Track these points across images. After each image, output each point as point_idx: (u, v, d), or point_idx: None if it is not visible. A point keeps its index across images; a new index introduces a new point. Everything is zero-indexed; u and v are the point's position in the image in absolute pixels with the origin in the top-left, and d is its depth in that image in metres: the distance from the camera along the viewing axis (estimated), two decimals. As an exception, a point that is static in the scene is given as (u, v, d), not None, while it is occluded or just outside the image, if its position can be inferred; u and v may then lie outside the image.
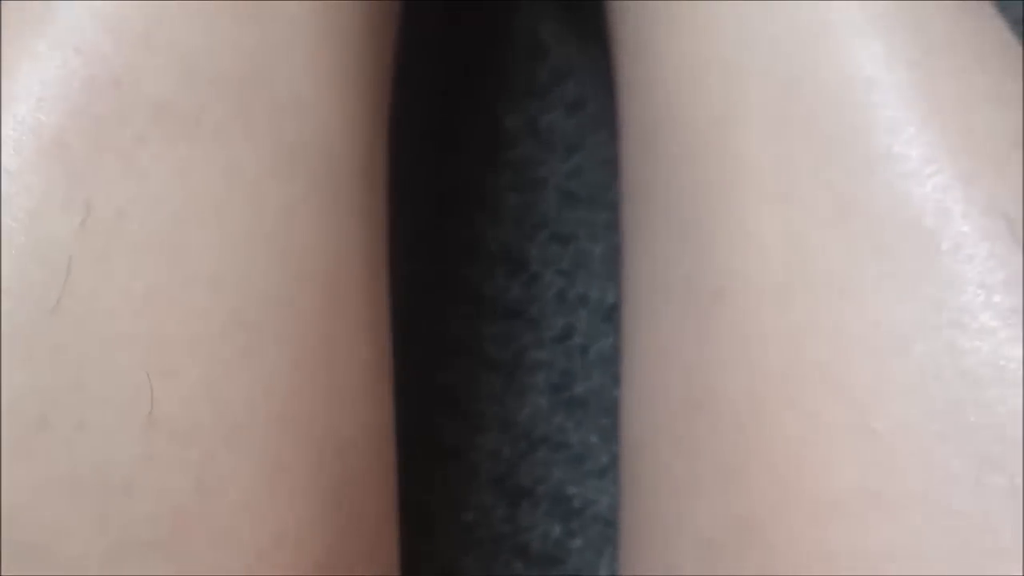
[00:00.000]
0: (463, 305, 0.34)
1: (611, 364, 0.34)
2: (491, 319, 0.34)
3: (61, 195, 0.15)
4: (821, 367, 0.17)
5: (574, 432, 0.33)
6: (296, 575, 0.15)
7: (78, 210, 0.15)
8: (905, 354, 0.16)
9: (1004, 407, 0.15)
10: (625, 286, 0.25)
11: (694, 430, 0.18)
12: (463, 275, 0.34)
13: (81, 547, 0.13)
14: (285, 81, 0.19)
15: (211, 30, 0.18)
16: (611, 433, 0.33)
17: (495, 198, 0.35)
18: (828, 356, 0.17)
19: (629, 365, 0.22)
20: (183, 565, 0.14)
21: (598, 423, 0.33)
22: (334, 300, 0.18)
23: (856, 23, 0.19)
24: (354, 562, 0.16)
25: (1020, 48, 0.20)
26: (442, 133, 0.36)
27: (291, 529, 0.15)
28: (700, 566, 0.17)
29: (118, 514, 0.13)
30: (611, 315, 0.34)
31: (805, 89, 0.19)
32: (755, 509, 0.16)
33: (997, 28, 0.20)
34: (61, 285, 0.14)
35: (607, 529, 0.32)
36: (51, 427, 0.13)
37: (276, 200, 0.17)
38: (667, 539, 0.18)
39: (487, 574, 0.31)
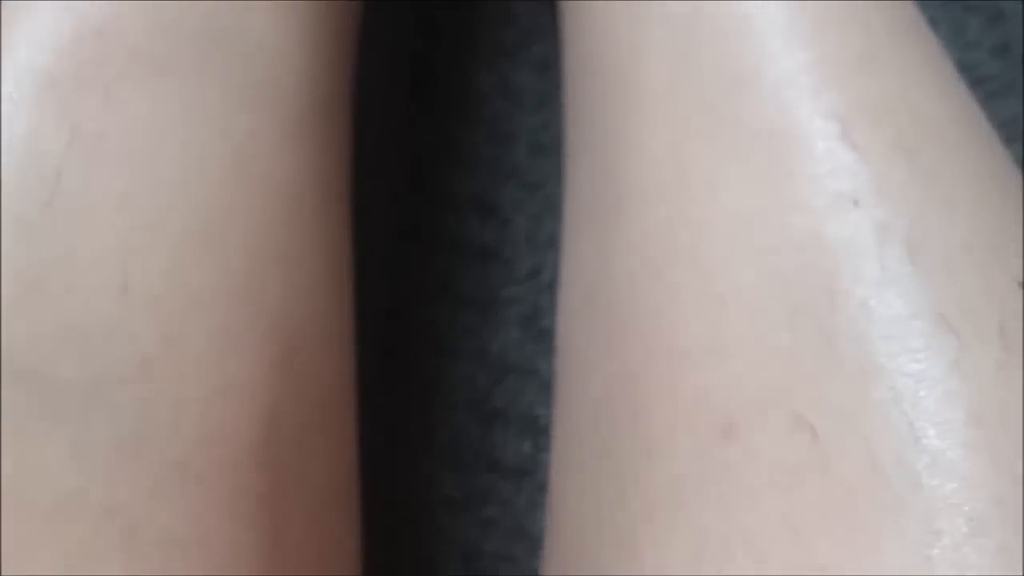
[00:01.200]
0: (440, 248, 0.37)
1: (577, 298, 0.37)
2: (466, 260, 0.37)
3: (52, 119, 0.18)
4: (686, 250, 0.20)
5: (543, 360, 0.36)
6: (248, 418, 0.18)
7: (66, 131, 0.18)
8: (750, 233, 0.19)
9: (818, 266, 0.18)
10: (564, 210, 0.28)
11: (593, 315, 0.22)
12: (440, 221, 0.38)
13: (70, 375, 0.17)
14: (249, 31, 0.22)
15: None
16: (577, 360, 0.36)
17: (469, 151, 0.38)
18: (692, 240, 0.20)
19: (562, 279, 0.26)
20: (149, 397, 0.17)
21: (565, 352, 0.36)
22: (291, 210, 0.21)
23: None
24: (304, 421, 0.19)
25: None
26: (419, 94, 0.40)
27: (242, 379, 0.18)
28: (595, 421, 0.20)
29: (99, 353, 0.17)
30: (576, 254, 0.37)
31: (696, 28, 0.22)
32: (631, 366, 0.19)
33: None
34: (53, 187, 0.18)
35: (573, 446, 0.35)
36: (46, 288, 0.17)
37: (238, 128, 0.20)
38: (570, 404, 0.22)
39: (465, 485, 0.34)
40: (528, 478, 0.35)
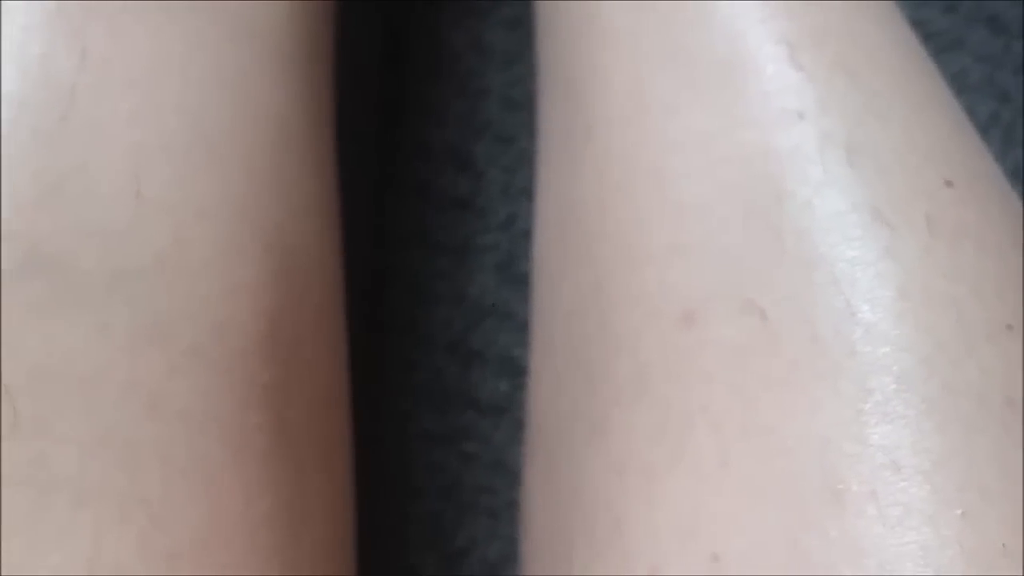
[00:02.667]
0: (417, 199, 0.39)
1: (549, 245, 0.39)
2: (442, 210, 0.38)
3: (63, 43, 0.20)
4: (649, 168, 0.21)
5: (518, 304, 0.37)
6: (254, 317, 0.20)
7: (76, 55, 0.20)
8: (706, 149, 0.21)
9: (767, 174, 0.19)
10: (539, 152, 0.29)
11: (564, 235, 0.23)
12: (416, 172, 0.39)
13: (91, 267, 0.18)
14: None
15: None
16: (550, 303, 0.38)
17: (443, 105, 0.40)
18: (654, 160, 0.21)
19: (537, 209, 0.27)
20: (165, 290, 0.19)
21: (539, 295, 0.38)
22: (283, 137, 0.23)
23: None
24: (302, 329, 0.21)
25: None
26: (394, 51, 0.41)
27: (247, 283, 0.20)
28: (567, 328, 0.22)
29: (117, 249, 0.18)
30: (548, 203, 0.39)
31: None
32: (599, 274, 0.21)
33: None
34: (68, 103, 0.19)
35: (548, 384, 0.37)
36: (65, 191, 0.19)
37: (233, 59, 0.22)
38: (544, 318, 0.23)
39: (445, 422, 0.36)
40: (506, 415, 0.37)
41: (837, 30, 0.21)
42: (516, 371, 0.37)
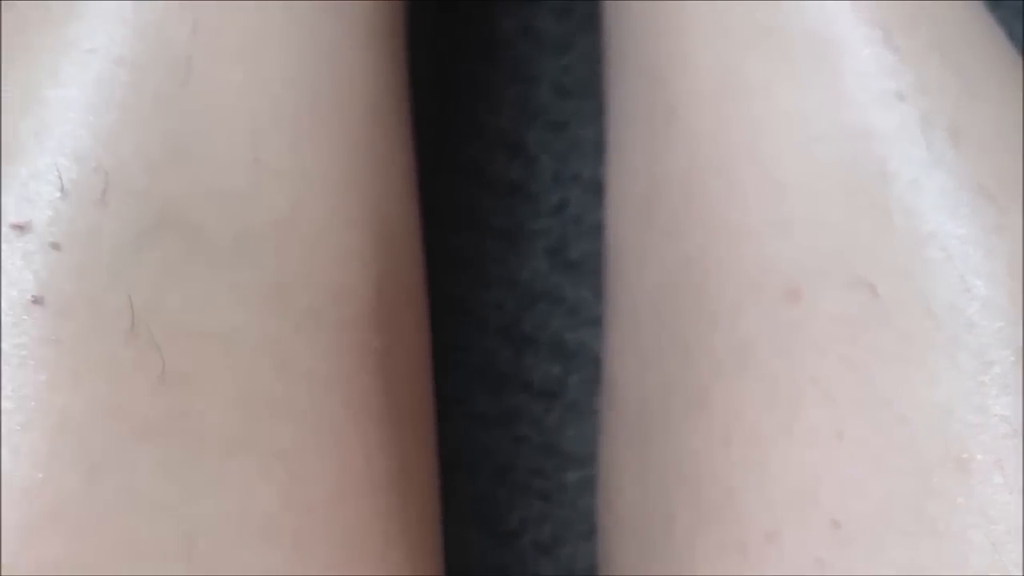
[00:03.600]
0: (470, 182, 0.39)
1: (600, 232, 0.39)
2: (495, 194, 0.39)
3: (176, 13, 0.20)
4: (742, 146, 0.22)
5: (570, 289, 0.38)
6: (364, 284, 0.20)
7: (188, 24, 0.20)
8: (803, 127, 0.21)
9: (869, 153, 0.20)
10: (607, 132, 0.30)
11: (648, 213, 0.23)
12: (469, 157, 0.39)
13: (217, 228, 0.18)
14: None
15: None
16: (601, 289, 0.38)
17: (495, 91, 0.40)
18: (748, 138, 0.22)
19: (611, 190, 0.28)
20: (285, 254, 0.19)
21: (591, 281, 0.38)
22: (375, 112, 0.23)
23: None
24: (400, 298, 0.22)
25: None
26: (446, 37, 0.41)
27: (357, 250, 0.20)
28: (655, 305, 0.22)
29: (239, 213, 0.19)
30: (600, 191, 0.39)
31: None
32: (691, 250, 0.21)
33: None
34: (185, 70, 0.19)
35: (599, 368, 0.37)
36: (190, 155, 0.19)
37: (328, 31, 0.22)
38: (627, 296, 0.24)
39: (498, 404, 0.36)
40: (558, 399, 0.37)
41: (929, 13, 0.22)
42: (568, 355, 0.37)
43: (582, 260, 0.39)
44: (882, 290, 0.18)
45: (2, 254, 0.17)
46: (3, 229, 0.17)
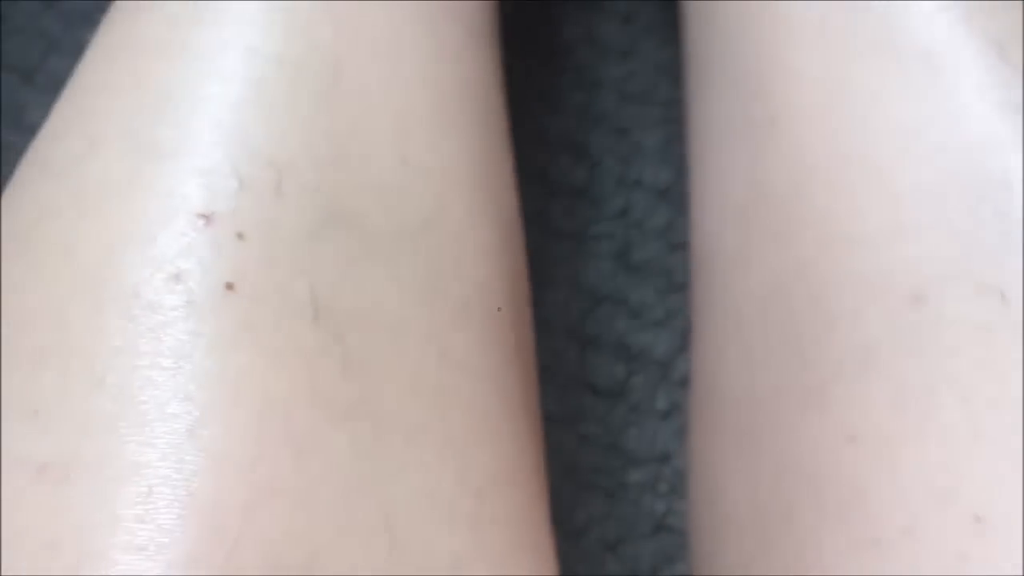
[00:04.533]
0: (535, 186, 0.40)
1: (663, 235, 0.39)
2: (559, 197, 0.39)
3: (320, 14, 0.20)
4: (855, 156, 0.22)
5: (633, 291, 0.38)
6: (500, 279, 0.21)
7: (331, 24, 0.20)
8: (920, 137, 0.21)
9: (992, 164, 0.20)
10: (691, 139, 0.30)
11: (750, 220, 0.24)
12: (534, 161, 0.40)
13: (378, 224, 0.19)
14: None
15: None
16: (664, 292, 0.39)
17: (559, 97, 0.41)
18: (861, 148, 0.22)
19: (697, 191, 0.28)
20: (434, 250, 0.20)
21: (654, 284, 0.38)
22: (490, 109, 0.23)
23: None
24: (522, 297, 0.22)
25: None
26: (511, 43, 0.42)
27: (492, 246, 0.21)
28: (762, 311, 0.23)
29: (394, 210, 0.19)
30: (663, 196, 0.40)
31: None
32: (803, 257, 0.22)
33: None
34: (334, 71, 0.20)
35: (662, 370, 0.37)
36: (348, 152, 0.19)
37: (449, 34, 0.23)
38: (726, 303, 0.24)
39: (563, 403, 0.37)
40: (621, 399, 0.37)
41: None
42: (631, 357, 0.38)
43: (645, 263, 0.39)
44: (1011, 296, 0.19)
45: (192, 243, 0.17)
46: (190, 218, 0.17)
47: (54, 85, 0.40)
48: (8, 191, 0.20)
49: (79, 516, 0.16)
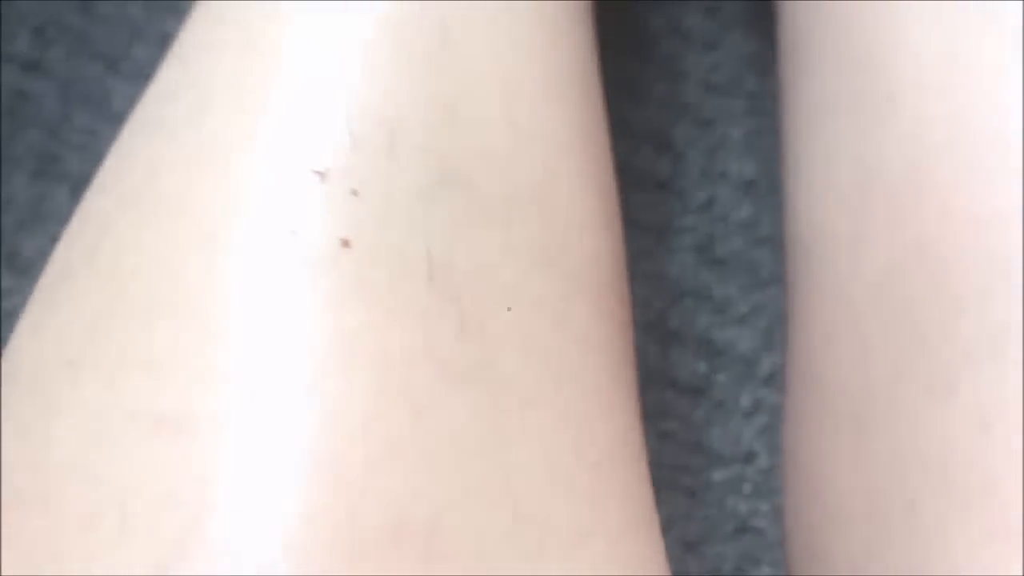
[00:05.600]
0: (618, 178, 0.39)
1: (748, 230, 0.38)
2: (641, 190, 0.38)
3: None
4: (979, 132, 0.21)
5: (717, 286, 0.37)
6: (607, 252, 0.20)
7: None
8: None
9: None
10: (785, 123, 0.29)
11: (865, 198, 0.23)
12: (617, 153, 0.39)
13: (490, 188, 0.19)
14: None
15: None
16: (749, 288, 0.38)
17: (644, 88, 0.40)
18: (985, 124, 0.21)
19: (795, 179, 0.27)
20: (546, 217, 0.19)
21: (737, 279, 0.38)
22: (587, 84, 0.23)
23: None
24: (622, 274, 0.21)
25: None
26: (596, 34, 0.41)
27: (600, 217, 0.20)
28: (878, 292, 0.22)
29: (505, 174, 0.19)
30: (748, 189, 0.39)
31: None
32: (925, 236, 0.21)
33: None
34: (443, 32, 0.19)
35: (746, 367, 0.36)
36: (457, 114, 0.19)
37: (553, 14, 0.22)
38: (836, 286, 0.23)
39: (644, 399, 0.36)
40: (703, 396, 0.36)
41: None
42: (714, 353, 0.37)
43: (729, 258, 0.38)
44: None
45: (308, 199, 0.17)
46: (304, 174, 0.17)
47: (139, 74, 0.40)
48: (113, 155, 0.20)
49: (198, 468, 0.15)
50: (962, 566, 0.18)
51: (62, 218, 0.23)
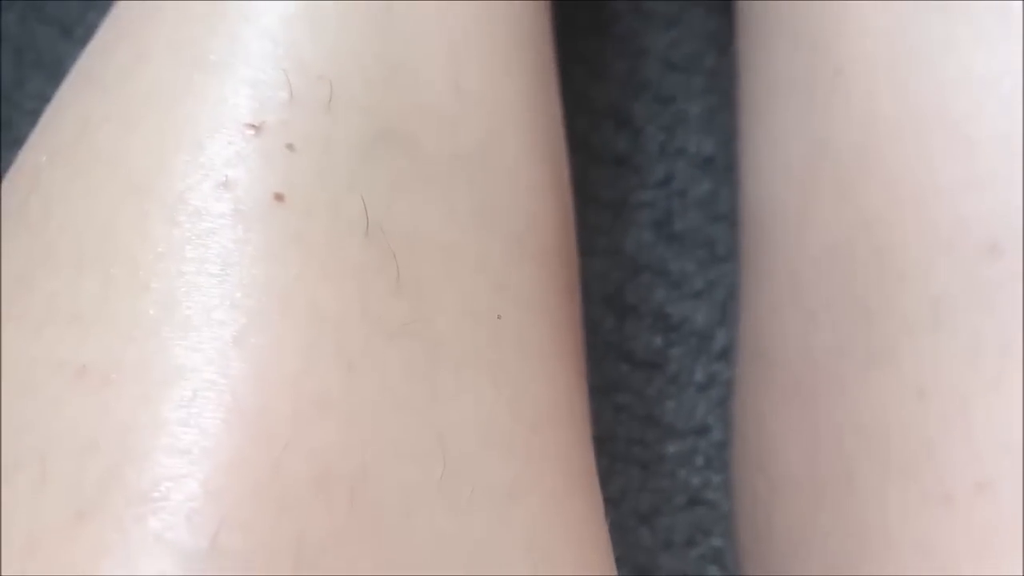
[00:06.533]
0: (577, 154, 0.39)
1: (705, 206, 0.39)
2: (600, 165, 0.39)
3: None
4: (928, 106, 0.21)
5: (673, 261, 0.38)
6: (553, 217, 0.20)
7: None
8: (996, 87, 0.21)
9: None
10: (742, 99, 0.30)
11: (814, 173, 0.23)
12: (577, 129, 0.39)
13: (433, 147, 0.19)
14: None
15: None
16: (705, 263, 0.38)
17: (603, 64, 0.40)
18: (933, 99, 0.22)
19: (751, 154, 0.27)
20: (489, 178, 0.19)
21: (695, 254, 0.38)
22: (543, 56, 0.23)
23: None
24: (569, 242, 0.22)
25: None
26: (556, 11, 0.41)
27: (547, 183, 0.20)
28: (828, 265, 0.22)
29: (449, 134, 0.19)
30: (706, 166, 0.39)
31: None
32: (872, 210, 0.21)
33: None
34: None
35: (701, 342, 0.37)
36: (401, 74, 0.19)
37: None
38: (784, 261, 0.23)
39: (599, 373, 0.36)
40: (658, 370, 0.37)
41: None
42: (670, 327, 0.37)
43: (686, 233, 0.39)
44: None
45: (241, 152, 0.17)
46: (239, 128, 0.17)
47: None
48: (49, 110, 0.20)
49: (120, 418, 0.15)
50: (898, 531, 0.18)
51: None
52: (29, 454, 0.15)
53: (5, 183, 0.19)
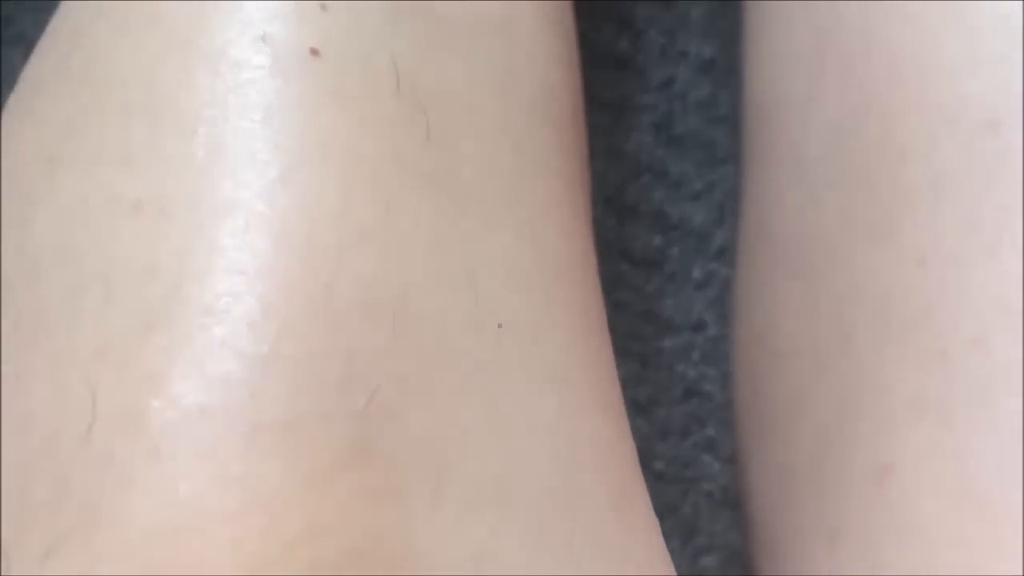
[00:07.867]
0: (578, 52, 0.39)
1: (705, 109, 0.39)
2: (601, 67, 0.39)
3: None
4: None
5: (673, 163, 0.38)
6: (567, 88, 0.21)
7: None
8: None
9: None
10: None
11: (816, 58, 0.24)
12: (578, 30, 0.40)
13: (456, 12, 0.19)
14: None
15: None
16: (704, 165, 0.39)
17: (607, -35, 0.40)
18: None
19: (755, 42, 0.28)
20: (509, 47, 0.20)
21: (694, 156, 0.38)
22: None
23: None
24: (582, 121, 0.22)
25: None
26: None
27: (562, 56, 0.21)
28: (831, 146, 0.23)
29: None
30: (707, 69, 0.39)
31: None
32: (874, 91, 0.22)
33: None
34: None
35: (699, 241, 0.38)
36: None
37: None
38: (786, 144, 0.24)
39: (600, 270, 0.37)
40: (657, 268, 0.38)
41: None
42: (669, 227, 0.38)
43: (686, 136, 0.39)
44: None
45: (277, 9, 0.17)
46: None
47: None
48: None
49: (178, 244, 0.16)
50: (894, 388, 0.19)
51: (15, 81, 0.23)
52: (92, 276, 0.16)
53: (42, 43, 0.20)
